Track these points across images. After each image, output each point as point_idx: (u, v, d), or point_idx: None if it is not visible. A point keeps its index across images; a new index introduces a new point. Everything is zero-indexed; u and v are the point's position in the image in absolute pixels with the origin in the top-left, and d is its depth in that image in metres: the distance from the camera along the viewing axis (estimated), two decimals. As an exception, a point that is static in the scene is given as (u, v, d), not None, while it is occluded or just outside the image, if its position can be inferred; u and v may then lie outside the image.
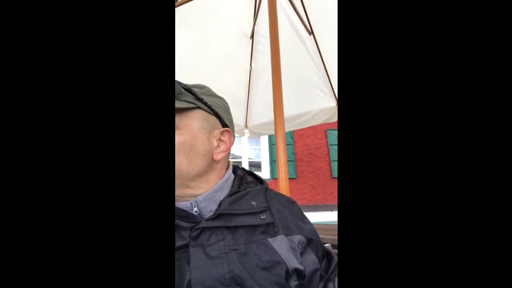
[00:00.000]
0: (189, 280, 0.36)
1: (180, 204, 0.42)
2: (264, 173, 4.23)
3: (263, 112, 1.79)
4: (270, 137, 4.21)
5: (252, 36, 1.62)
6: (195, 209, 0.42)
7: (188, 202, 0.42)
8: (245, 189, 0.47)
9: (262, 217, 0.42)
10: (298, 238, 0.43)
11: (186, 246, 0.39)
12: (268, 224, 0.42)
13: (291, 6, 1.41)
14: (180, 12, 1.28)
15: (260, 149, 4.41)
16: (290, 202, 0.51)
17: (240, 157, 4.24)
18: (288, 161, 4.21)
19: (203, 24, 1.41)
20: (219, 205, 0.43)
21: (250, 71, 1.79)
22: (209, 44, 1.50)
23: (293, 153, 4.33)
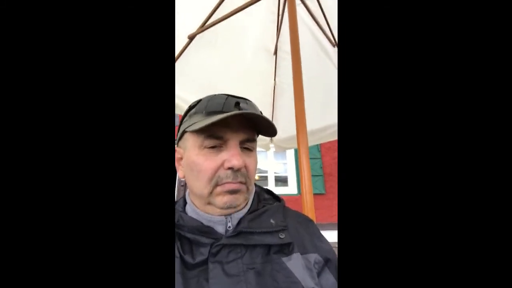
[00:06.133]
0: None
1: (215, 218, 0.42)
2: (291, 188, 4.13)
3: (288, 126, 1.79)
4: (296, 151, 4.14)
5: (275, 52, 1.65)
6: (229, 224, 0.42)
7: (223, 216, 0.42)
8: (263, 206, 0.46)
9: (281, 236, 0.41)
10: (314, 257, 0.41)
11: (205, 262, 0.39)
12: (283, 243, 0.41)
13: (313, 20, 1.43)
14: (207, 34, 1.36)
15: (286, 163, 4.35)
16: (307, 221, 0.49)
17: (266, 172, 4.21)
18: (316, 175, 4.08)
19: (229, 44, 1.48)
20: (239, 222, 0.42)
21: (274, 86, 1.81)
22: (234, 62, 1.56)
23: (321, 167, 4.19)
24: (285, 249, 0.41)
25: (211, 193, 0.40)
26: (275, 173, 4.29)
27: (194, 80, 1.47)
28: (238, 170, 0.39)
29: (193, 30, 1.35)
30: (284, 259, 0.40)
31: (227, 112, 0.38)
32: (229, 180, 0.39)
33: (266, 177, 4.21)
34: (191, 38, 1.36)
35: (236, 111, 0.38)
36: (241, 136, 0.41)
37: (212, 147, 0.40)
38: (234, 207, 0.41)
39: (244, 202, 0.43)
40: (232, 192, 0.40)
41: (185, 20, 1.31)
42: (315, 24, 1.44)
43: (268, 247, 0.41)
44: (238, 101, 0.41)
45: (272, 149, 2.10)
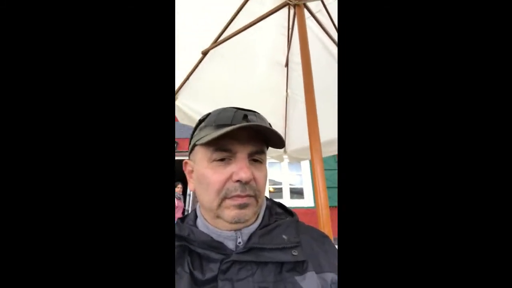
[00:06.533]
0: None
1: (224, 233, 0.41)
2: (307, 201, 4.02)
3: (301, 137, 1.77)
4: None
5: (287, 64, 1.67)
6: (239, 239, 0.41)
7: (233, 231, 0.41)
8: (275, 221, 0.44)
9: (294, 253, 0.39)
10: (331, 276, 0.39)
11: (214, 279, 0.37)
12: (296, 261, 0.39)
13: (323, 31, 1.43)
14: (220, 49, 1.40)
15: (301, 174, 4.27)
16: (322, 236, 0.46)
17: (281, 184, 4.15)
18: (334, 187, 3.95)
19: (241, 57, 1.52)
20: (250, 238, 0.41)
21: (286, 97, 1.82)
22: (247, 75, 1.59)
23: (338, 178, 4.07)
24: (299, 267, 0.39)
25: (219, 205, 0.39)
26: (290, 185, 4.21)
27: (209, 93, 1.51)
28: (247, 183, 0.39)
29: (206, 45, 1.40)
30: (298, 278, 0.37)
31: (236, 125, 0.39)
32: (238, 192, 0.38)
33: (281, 189, 4.13)
34: (205, 53, 1.41)
35: (243, 124, 0.38)
36: (250, 149, 0.40)
37: (221, 160, 0.40)
38: (243, 222, 0.40)
39: (253, 216, 0.42)
40: (241, 206, 0.39)
41: (198, 36, 1.36)
42: (326, 36, 1.45)
43: (281, 264, 0.39)
44: (246, 113, 0.41)
45: (286, 160, 2.07)
